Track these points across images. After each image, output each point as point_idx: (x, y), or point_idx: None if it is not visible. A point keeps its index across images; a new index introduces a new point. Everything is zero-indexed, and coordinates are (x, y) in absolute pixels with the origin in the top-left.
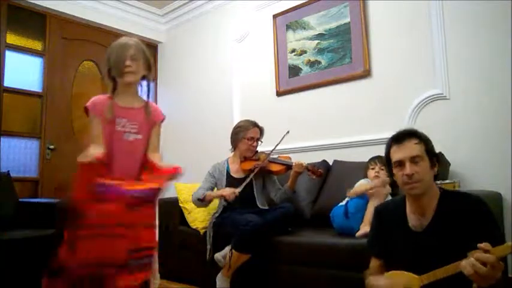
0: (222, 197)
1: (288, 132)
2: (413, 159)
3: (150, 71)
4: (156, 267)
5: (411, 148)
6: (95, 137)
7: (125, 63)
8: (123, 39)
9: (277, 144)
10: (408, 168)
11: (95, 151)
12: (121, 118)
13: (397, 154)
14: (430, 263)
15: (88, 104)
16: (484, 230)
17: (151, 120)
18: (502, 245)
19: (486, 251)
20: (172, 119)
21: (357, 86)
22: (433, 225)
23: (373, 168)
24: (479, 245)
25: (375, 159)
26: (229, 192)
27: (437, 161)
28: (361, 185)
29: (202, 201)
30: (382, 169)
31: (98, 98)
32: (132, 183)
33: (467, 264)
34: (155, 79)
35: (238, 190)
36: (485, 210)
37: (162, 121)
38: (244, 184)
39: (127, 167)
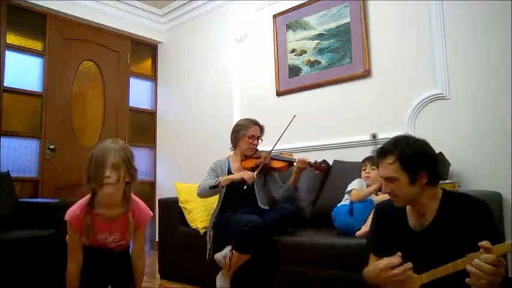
0: (242, 179)
1: (294, 116)
2: (388, 179)
3: (134, 177)
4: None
5: (385, 168)
6: (71, 252)
7: (105, 173)
8: (105, 144)
9: (285, 128)
10: (383, 187)
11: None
12: (102, 233)
13: (379, 170)
14: (430, 263)
15: (66, 217)
16: (484, 232)
17: (134, 226)
18: (502, 243)
19: (487, 249)
20: (172, 119)
21: (357, 86)
22: (434, 226)
23: (364, 169)
24: (480, 243)
25: (366, 159)
26: (249, 175)
27: (430, 170)
28: (361, 190)
29: (215, 188)
30: (374, 169)
31: (75, 213)
32: None
33: (471, 266)
34: (155, 79)
35: (255, 173)
36: (487, 213)
37: (145, 225)
38: (259, 169)
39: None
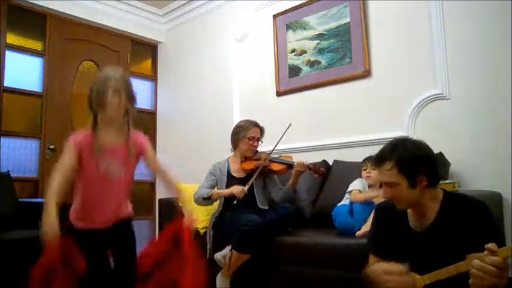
0: (231, 195)
1: (290, 125)
2: (387, 184)
3: (132, 104)
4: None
5: (384, 175)
6: (62, 165)
7: (107, 96)
8: (106, 71)
9: (281, 137)
10: (383, 192)
11: (50, 230)
12: (105, 159)
13: (378, 176)
14: (430, 263)
15: (71, 137)
16: (484, 233)
17: (135, 155)
18: (508, 246)
19: (493, 252)
20: (172, 119)
21: (357, 86)
22: (435, 226)
23: (365, 169)
24: (486, 246)
25: (367, 159)
26: (239, 190)
27: (429, 172)
28: (364, 192)
29: (207, 200)
30: (374, 169)
31: (80, 135)
32: None
33: (475, 269)
34: (155, 79)
35: (246, 187)
36: (487, 214)
37: (147, 147)
38: (251, 181)
39: (111, 205)
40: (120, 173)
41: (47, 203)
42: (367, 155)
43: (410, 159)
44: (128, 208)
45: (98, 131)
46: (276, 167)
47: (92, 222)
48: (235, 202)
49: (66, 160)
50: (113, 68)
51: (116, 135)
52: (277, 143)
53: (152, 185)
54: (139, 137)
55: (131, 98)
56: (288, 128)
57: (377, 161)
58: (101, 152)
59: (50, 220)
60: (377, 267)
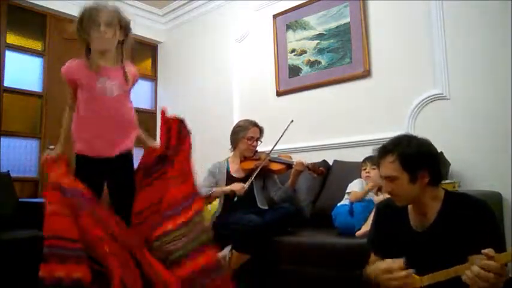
0: (232, 192)
1: (292, 121)
2: (388, 178)
3: (127, 35)
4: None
5: (386, 167)
6: (67, 103)
7: (99, 29)
8: (97, 3)
9: (283, 133)
10: (384, 187)
11: (59, 149)
12: (101, 77)
13: (380, 169)
14: (431, 263)
15: (64, 70)
16: (485, 233)
17: (129, 82)
18: (505, 253)
19: (490, 258)
20: None
21: (357, 86)
22: (436, 226)
23: (364, 169)
24: (483, 251)
25: (366, 159)
26: (239, 187)
27: (431, 169)
28: (357, 191)
29: (208, 198)
30: (374, 168)
31: (72, 61)
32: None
33: (472, 273)
34: (155, 79)
35: (246, 185)
36: (489, 214)
37: (137, 79)
38: (250, 180)
39: (114, 122)
40: (119, 91)
41: (62, 132)
42: (367, 155)
43: (413, 155)
44: (130, 142)
45: (91, 56)
46: (275, 166)
47: (92, 147)
48: (235, 199)
49: (69, 97)
50: (104, 2)
51: (110, 62)
52: (279, 139)
53: None
54: (134, 69)
55: (125, 28)
56: (289, 124)
57: (380, 153)
58: (97, 69)
59: (58, 145)
60: (377, 266)
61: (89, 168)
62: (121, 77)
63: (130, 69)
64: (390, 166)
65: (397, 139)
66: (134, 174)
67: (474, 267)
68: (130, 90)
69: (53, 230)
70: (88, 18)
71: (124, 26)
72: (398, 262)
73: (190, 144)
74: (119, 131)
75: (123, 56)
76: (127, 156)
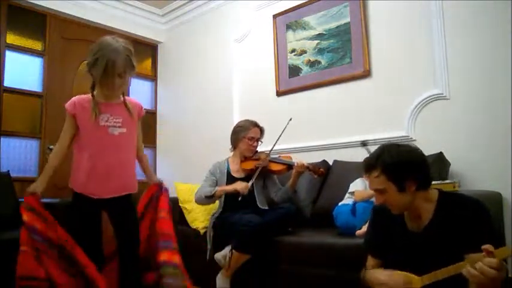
0: (235, 191)
1: (290, 119)
2: (378, 191)
3: (131, 75)
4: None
5: (373, 182)
6: (60, 137)
7: (113, 80)
8: (112, 43)
9: (282, 132)
10: (375, 199)
11: (40, 188)
12: (104, 113)
13: (369, 183)
14: (428, 264)
15: (67, 104)
16: (481, 233)
17: (134, 115)
18: (504, 247)
19: (489, 253)
20: (172, 119)
21: (357, 86)
22: (431, 227)
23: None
24: (483, 247)
25: None
26: (243, 186)
27: (417, 176)
28: (362, 191)
29: (210, 198)
30: None
31: (77, 98)
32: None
33: (473, 269)
34: (155, 79)
35: (249, 184)
36: (484, 214)
37: (142, 114)
38: (253, 179)
39: (113, 163)
40: (122, 129)
41: (45, 170)
42: (368, 155)
43: (396, 166)
44: (134, 182)
45: (97, 94)
46: (275, 167)
47: (88, 188)
48: (240, 199)
49: (65, 128)
50: (116, 43)
51: (113, 96)
52: (278, 137)
53: None
54: (137, 102)
55: (132, 72)
56: (288, 122)
57: (365, 168)
58: (99, 107)
59: (39, 182)
60: (375, 276)
61: (85, 205)
62: (125, 113)
63: (135, 102)
64: (376, 180)
65: (378, 152)
66: (135, 212)
67: (478, 264)
68: (136, 124)
69: (25, 270)
70: (103, 66)
71: (132, 71)
72: (396, 277)
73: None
74: (118, 174)
75: (124, 93)
76: (126, 197)
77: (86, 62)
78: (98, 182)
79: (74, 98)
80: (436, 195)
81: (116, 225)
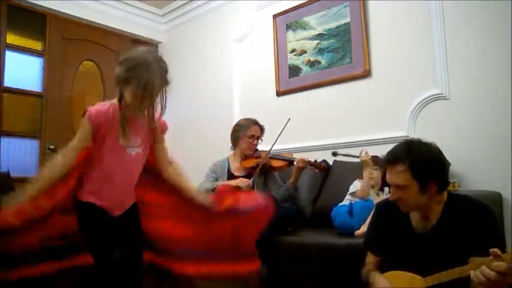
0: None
1: (289, 119)
2: (397, 186)
3: (168, 86)
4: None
5: (395, 176)
6: (74, 144)
7: (145, 102)
8: (146, 61)
9: (281, 132)
10: (391, 194)
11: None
12: (127, 132)
13: (387, 175)
14: (432, 265)
15: (92, 110)
16: (487, 238)
17: (155, 133)
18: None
19: (497, 257)
20: (172, 119)
21: (357, 86)
22: (438, 229)
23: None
24: (491, 250)
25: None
26: (244, 182)
27: (441, 178)
28: (364, 185)
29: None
30: (376, 169)
31: (102, 107)
32: None
33: (479, 273)
34: None
35: (251, 180)
36: (491, 219)
37: (166, 129)
38: (254, 176)
39: (125, 183)
40: (139, 149)
41: (42, 180)
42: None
43: (425, 164)
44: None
45: (125, 107)
46: (276, 163)
47: (104, 200)
48: None
49: (79, 138)
50: (150, 59)
51: (141, 114)
52: (277, 137)
53: None
54: (163, 123)
55: (167, 88)
56: (287, 122)
57: (390, 160)
58: (126, 127)
59: (25, 198)
60: (372, 281)
61: (100, 220)
62: (146, 131)
63: (160, 119)
64: (400, 175)
65: (407, 146)
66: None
67: (485, 268)
68: (153, 139)
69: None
70: (136, 89)
71: (167, 84)
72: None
73: None
74: (127, 193)
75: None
76: (135, 204)
77: (116, 72)
78: (107, 202)
79: (98, 107)
80: (445, 197)
81: (123, 234)
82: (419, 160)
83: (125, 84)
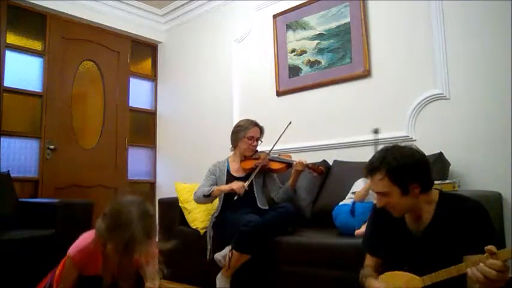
0: (231, 190)
1: (290, 122)
2: (380, 194)
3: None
4: (156, 267)
5: (376, 184)
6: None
7: (132, 257)
8: (131, 221)
9: (280, 135)
10: (377, 202)
11: None
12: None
13: (371, 184)
14: (428, 265)
15: (73, 253)
16: (480, 235)
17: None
18: (506, 249)
19: (493, 254)
20: (172, 119)
21: (357, 86)
22: (431, 228)
23: None
24: (486, 247)
25: None
26: (239, 185)
27: (421, 179)
28: (360, 191)
29: (208, 197)
30: None
31: (87, 247)
32: None
33: (476, 270)
34: (155, 79)
35: (246, 184)
36: (483, 215)
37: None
38: (251, 178)
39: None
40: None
41: None
42: (367, 155)
43: (400, 169)
44: None
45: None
46: (275, 165)
47: None
48: (235, 198)
49: (70, 279)
50: (132, 213)
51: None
52: (277, 140)
53: (152, 185)
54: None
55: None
56: (288, 126)
57: (368, 170)
58: (108, 270)
59: None
60: (369, 285)
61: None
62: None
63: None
64: (380, 183)
65: (382, 154)
66: None
67: (480, 266)
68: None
69: None
70: (120, 247)
71: (154, 232)
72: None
73: None
74: None
75: None
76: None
77: (97, 225)
78: None
79: (81, 249)
80: (436, 196)
81: None
82: (395, 165)
83: (106, 241)
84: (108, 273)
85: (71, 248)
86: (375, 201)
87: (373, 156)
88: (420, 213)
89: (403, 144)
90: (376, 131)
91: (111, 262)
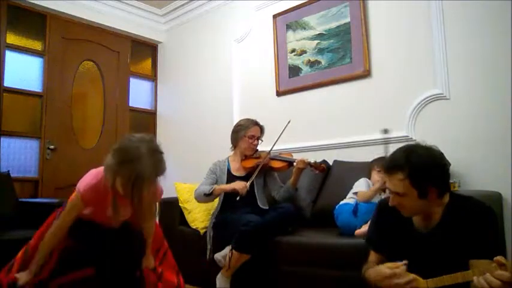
0: (234, 190)
1: (289, 121)
2: (397, 193)
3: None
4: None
5: (394, 184)
6: (65, 215)
7: (140, 193)
8: (141, 155)
9: (280, 134)
10: (391, 200)
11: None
12: (116, 206)
13: (387, 182)
14: (433, 266)
15: (83, 189)
16: (488, 240)
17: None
18: None
19: (502, 265)
20: (172, 119)
21: (357, 86)
22: (439, 229)
23: (379, 171)
24: (496, 258)
25: (380, 160)
26: (241, 185)
27: (441, 184)
28: (365, 191)
29: (209, 196)
30: (379, 170)
31: (95, 182)
32: None
33: (483, 280)
34: (155, 79)
35: (248, 183)
36: (492, 219)
37: (160, 197)
38: (253, 177)
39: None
40: (126, 216)
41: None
42: (367, 155)
43: (424, 172)
44: None
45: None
46: (276, 164)
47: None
48: (238, 198)
49: (70, 209)
50: (141, 149)
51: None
52: (277, 139)
53: None
54: (158, 190)
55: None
56: (287, 124)
57: (389, 168)
58: (117, 206)
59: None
60: (379, 271)
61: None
62: None
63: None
64: (399, 184)
65: (406, 153)
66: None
67: (487, 276)
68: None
69: None
70: (131, 181)
71: (163, 170)
72: (401, 267)
73: None
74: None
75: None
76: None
77: (107, 161)
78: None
79: (89, 182)
80: (447, 197)
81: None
82: (419, 168)
83: (115, 175)
84: (117, 214)
85: (79, 184)
86: (377, 201)
87: (394, 153)
88: (430, 214)
89: (423, 144)
90: (385, 131)
91: (120, 201)
